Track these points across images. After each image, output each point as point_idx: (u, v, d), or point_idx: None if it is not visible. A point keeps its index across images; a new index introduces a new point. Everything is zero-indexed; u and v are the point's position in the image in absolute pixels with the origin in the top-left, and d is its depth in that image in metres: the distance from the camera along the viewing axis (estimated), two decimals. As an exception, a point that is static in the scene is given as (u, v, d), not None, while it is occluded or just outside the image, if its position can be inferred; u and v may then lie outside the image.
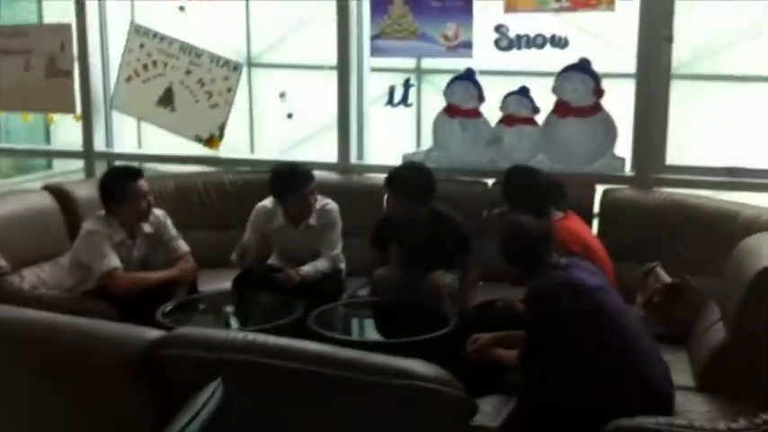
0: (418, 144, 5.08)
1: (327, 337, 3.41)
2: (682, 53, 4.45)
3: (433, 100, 4.82)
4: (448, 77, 4.70)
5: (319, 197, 4.23)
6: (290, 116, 5.01)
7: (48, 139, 7.66)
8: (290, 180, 4.07)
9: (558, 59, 4.48)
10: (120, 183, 3.90)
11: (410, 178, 4.04)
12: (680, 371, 3.22)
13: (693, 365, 3.32)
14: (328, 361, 2.06)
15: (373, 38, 4.74)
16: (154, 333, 2.27)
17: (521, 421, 2.58)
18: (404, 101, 4.81)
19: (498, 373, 2.98)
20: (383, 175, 4.71)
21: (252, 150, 5.90)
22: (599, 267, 3.36)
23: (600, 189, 4.49)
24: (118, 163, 5.37)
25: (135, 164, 5.69)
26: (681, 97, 4.52)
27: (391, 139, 5.33)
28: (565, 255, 3.15)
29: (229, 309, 4.05)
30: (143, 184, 3.94)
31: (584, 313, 2.80)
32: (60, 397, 2.34)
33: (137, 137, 6.03)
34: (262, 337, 2.16)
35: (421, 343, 3.34)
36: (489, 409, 2.48)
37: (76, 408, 2.37)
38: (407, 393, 2.01)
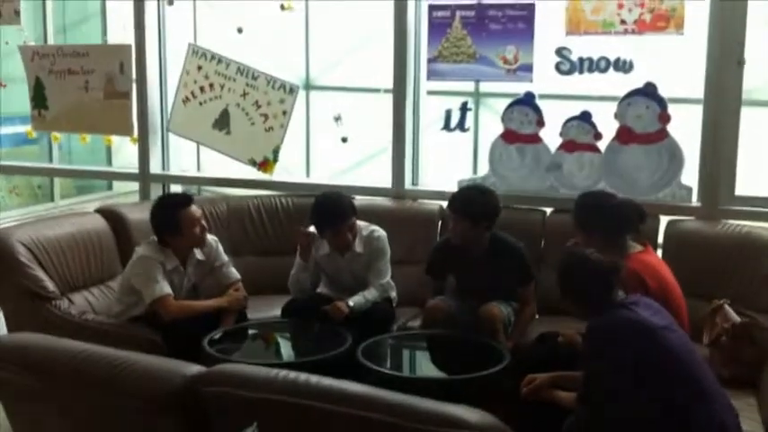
0: (475, 170, 4.96)
1: (375, 371, 3.30)
2: (753, 77, 4.24)
3: (491, 125, 4.70)
4: (506, 101, 4.58)
5: (366, 224, 4.13)
6: (344, 140, 4.93)
7: (109, 161, 7.75)
8: (326, 216, 3.99)
9: (622, 83, 4.32)
10: (173, 211, 3.83)
11: (474, 200, 3.91)
12: (749, 418, 3.02)
13: (763, 413, 3.10)
14: (374, 405, 1.95)
15: (430, 60, 4.65)
16: (193, 369, 2.19)
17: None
18: (460, 125, 4.69)
19: (555, 417, 2.83)
20: (438, 202, 4.63)
21: (308, 174, 5.85)
22: (675, 307, 3.19)
23: (664, 220, 4.29)
24: (173, 186, 5.39)
25: (192, 188, 5.76)
26: (752, 124, 4.29)
27: (447, 165, 5.22)
28: (641, 291, 2.99)
29: (277, 338, 3.97)
30: (195, 210, 3.89)
31: (648, 353, 2.65)
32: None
33: (196, 159, 6.03)
34: (303, 377, 2.06)
35: (473, 381, 3.20)
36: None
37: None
38: (457, 443, 1.88)
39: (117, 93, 5.23)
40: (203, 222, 3.92)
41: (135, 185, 5.59)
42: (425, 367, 3.75)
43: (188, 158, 5.67)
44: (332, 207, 4.00)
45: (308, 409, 1.99)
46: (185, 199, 3.92)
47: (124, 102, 5.21)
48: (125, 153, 6.38)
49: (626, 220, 3.57)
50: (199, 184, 5.70)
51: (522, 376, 3.19)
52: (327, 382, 2.04)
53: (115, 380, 2.17)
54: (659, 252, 4.22)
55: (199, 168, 5.78)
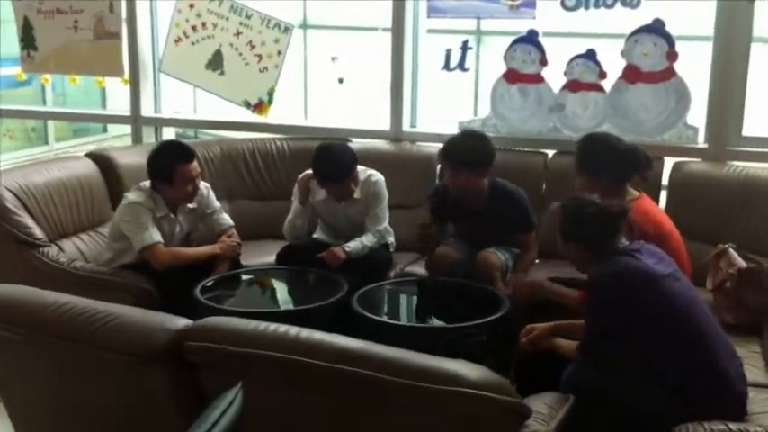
0: (475, 112, 4.82)
1: (371, 319, 3.22)
2: (764, 14, 4.07)
3: (493, 65, 4.54)
4: (509, 40, 4.41)
5: (363, 168, 4.01)
6: (341, 81, 4.79)
7: (104, 103, 7.60)
8: (329, 171, 3.86)
9: (629, 20, 4.15)
10: (171, 163, 3.71)
11: (472, 148, 3.78)
12: (753, 365, 2.97)
13: (767, 360, 3.03)
14: (367, 361, 1.86)
15: (430, -3, 4.48)
16: (179, 322, 2.10)
17: (578, 422, 2.35)
18: (461, 65, 4.54)
19: (555, 367, 2.75)
20: (438, 145, 4.49)
21: (306, 116, 5.70)
22: (675, 254, 3.10)
23: (670, 162, 4.17)
24: (166, 130, 5.26)
25: (188, 131, 5.62)
26: (762, 63, 4.14)
27: (447, 107, 5.07)
28: (638, 238, 2.89)
29: (272, 285, 3.89)
30: (194, 167, 3.76)
31: (651, 302, 2.57)
32: (83, 385, 2.22)
33: (193, 101, 5.87)
34: (293, 331, 1.98)
35: (469, 329, 3.12)
36: (544, 410, 2.25)
37: (100, 396, 2.24)
38: (452, 400, 1.80)
39: (107, 33, 5.06)
40: (198, 181, 3.80)
41: (130, 128, 5.48)
42: (423, 316, 3.66)
43: (185, 100, 5.52)
44: (334, 162, 3.86)
45: (298, 364, 1.90)
46: (187, 154, 3.77)
47: (114, 42, 5.04)
48: (121, 96, 6.22)
49: (634, 166, 3.43)
50: (191, 127, 5.57)
51: (519, 324, 3.13)
52: (318, 336, 1.96)
53: (99, 333, 2.09)
54: (663, 195, 4.13)
55: (195, 111, 5.64)
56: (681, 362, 2.53)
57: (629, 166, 3.42)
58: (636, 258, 2.62)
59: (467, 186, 3.77)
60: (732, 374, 2.56)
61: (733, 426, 2.26)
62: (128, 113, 5.20)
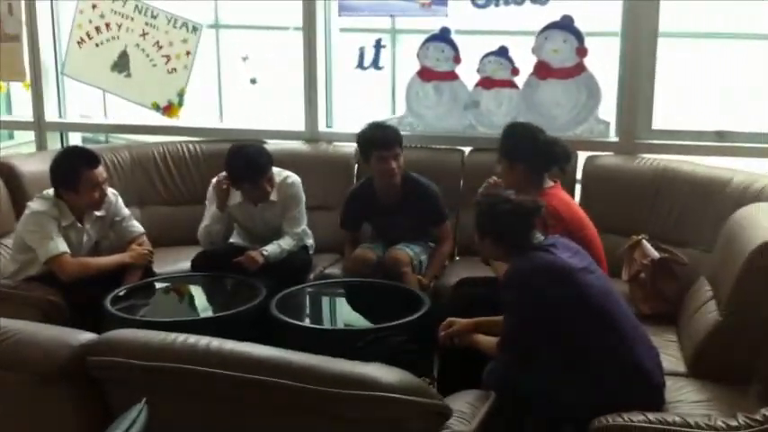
0: (393, 110, 4.78)
1: (290, 324, 3.15)
2: (669, 9, 4.15)
3: (409, 63, 4.51)
4: (423, 38, 4.39)
5: (279, 170, 3.93)
6: (253, 81, 4.68)
7: (9, 109, 7.27)
8: (243, 170, 3.77)
9: (538, 17, 4.19)
10: (75, 169, 3.55)
11: (390, 128, 3.88)
12: (669, 355, 3.02)
13: (684, 349, 3.09)
14: (280, 369, 1.80)
15: (341, -5, 4.43)
16: (82, 337, 2.00)
17: (499, 420, 2.34)
18: (375, 64, 4.50)
19: (478, 364, 2.74)
20: (354, 144, 4.46)
21: (221, 119, 5.56)
22: (589, 242, 3.13)
23: (583, 155, 4.22)
24: (72, 135, 5.07)
25: (99, 135, 5.41)
26: (668, 57, 4.23)
27: (363, 106, 5.02)
28: (559, 227, 2.90)
29: (188, 293, 3.79)
30: (100, 172, 3.61)
31: (567, 297, 2.56)
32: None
33: (103, 104, 5.66)
34: (203, 341, 1.90)
35: (388, 330, 3.08)
36: (465, 409, 2.24)
37: (4, 418, 2.10)
38: (370, 405, 1.76)
39: (6, 35, 4.84)
40: (105, 187, 3.65)
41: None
42: (343, 318, 3.60)
43: (95, 104, 5.32)
44: (248, 161, 3.77)
45: (209, 375, 1.83)
46: (91, 158, 3.61)
47: (14, 45, 4.83)
48: (27, 101, 5.96)
49: (554, 157, 3.44)
50: (99, 132, 5.38)
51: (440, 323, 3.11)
52: (230, 345, 1.88)
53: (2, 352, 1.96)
54: (578, 188, 4.18)
55: (106, 114, 5.44)
56: (597, 354, 2.53)
57: (546, 157, 3.43)
58: (551, 253, 2.62)
59: (399, 167, 3.77)
60: (648, 365, 2.58)
61: (651, 416, 2.26)
62: (31, 119, 4.98)
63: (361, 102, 4.99)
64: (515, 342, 2.63)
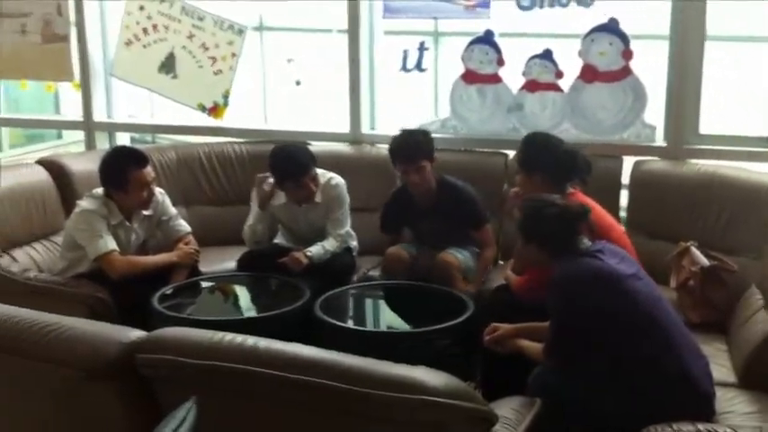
0: (436, 112, 4.77)
1: (334, 325, 3.16)
2: (717, 13, 4.09)
3: (451, 65, 4.50)
4: (467, 40, 4.37)
5: (323, 171, 3.95)
6: (298, 83, 4.71)
7: (57, 109, 7.40)
8: (286, 168, 3.79)
9: (584, 19, 4.15)
10: (123, 168, 3.60)
11: (422, 141, 3.80)
12: (719, 364, 2.96)
13: (734, 359, 3.04)
14: (328, 371, 1.80)
15: (385, -3, 4.43)
16: (132, 334, 2.02)
17: (545, 428, 2.32)
18: (418, 66, 4.50)
19: (522, 370, 2.72)
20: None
21: (266, 120, 5.61)
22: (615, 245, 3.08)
23: (629, 160, 4.17)
24: (119, 134, 5.14)
25: (142, 136, 5.49)
26: (716, 61, 4.16)
27: (406, 108, 5.02)
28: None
29: (233, 292, 3.81)
30: (148, 172, 3.65)
31: (615, 303, 2.54)
32: (25, 402, 2.11)
33: (150, 105, 5.74)
34: (251, 341, 1.91)
35: (432, 333, 3.07)
36: (511, 415, 2.21)
37: (44, 414, 2.14)
38: (417, 409, 1.75)
39: (55, 36, 4.93)
40: (153, 186, 3.69)
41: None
42: (387, 320, 3.60)
43: (142, 104, 5.39)
44: (291, 159, 3.80)
45: (257, 375, 1.84)
46: (140, 159, 3.66)
47: (63, 45, 4.91)
48: (74, 101, 6.06)
49: (574, 168, 3.39)
50: (145, 132, 5.45)
51: (483, 326, 3.10)
52: (278, 345, 1.89)
53: (47, 346, 1.99)
54: (624, 193, 4.13)
55: (152, 115, 5.52)
56: (646, 362, 2.50)
57: (565, 168, 3.38)
58: (599, 259, 2.60)
59: (422, 181, 3.75)
60: (697, 373, 2.54)
61: (702, 426, 2.23)
62: (80, 119, 5.06)
63: (403, 104, 5.00)
64: (561, 348, 2.61)
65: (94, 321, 2.16)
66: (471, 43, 4.35)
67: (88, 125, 5.02)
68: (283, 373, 1.82)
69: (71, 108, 6.03)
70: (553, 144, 3.44)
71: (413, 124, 4.50)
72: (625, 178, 4.14)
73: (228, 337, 1.92)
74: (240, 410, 1.89)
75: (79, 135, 6.09)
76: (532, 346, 2.76)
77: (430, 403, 1.75)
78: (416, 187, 3.77)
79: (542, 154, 3.40)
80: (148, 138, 6.14)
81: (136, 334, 2.02)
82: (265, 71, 5.69)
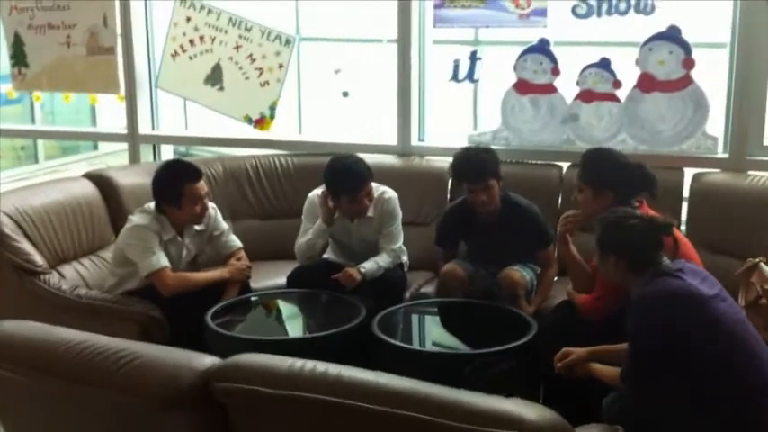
0: (475, 125, 4.65)
1: (394, 346, 3.07)
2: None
3: (490, 75, 4.39)
4: (510, 50, 4.27)
5: (375, 185, 3.85)
6: (345, 94, 4.64)
7: (93, 120, 7.42)
8: (343, 182, 3.70)
9: (643, 27, 4.04)
10: (178, 183, 3.54)
11: (488, 160, 3.68)
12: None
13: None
14: (415, 402, 1.70)
15: (437, 6, 4.33)
16: (206, 361, 1.93)
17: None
18: (470, 76, 4.40)
19: (585, 393, 2.61)
20: (446, 158, 4.36)
21: (300, 130, 5.52)
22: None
23: (689, 172, 4.05)
24: (165, 147, 5.10)
25: (180, 147, 5.45)
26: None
27: (448, 120, 4.91)
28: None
29: (286, 310, 3.73)
30: (202, 186, 3.59)
31: (699, 325, 2.41)
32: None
33: (183, 118, 5.70)
34: (334, 370, 1.81)
35: (498, 354, 2.96)
36: (595, 446, 2.11)
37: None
38: (512, 444, 1.65)
39: (101, 48, 4.89)
40: (206, 201, 3.63)
41: (120, 146, 5.30)
42: (446, 339, 3.49)
43: (174, 117, 5.35)
44: (349, 172, 3.70)
45: (340, 407, 1.75)
46: (194, 173, 3.59)
47: (109, 57, 4.87)
48: (110, 112, 6.04)
49: (642, 183, 3.26)
50: (191, 144, 5.40)
51: (545, 347, 2.99)
52: (362, 375, 1.80)
53: (117, 375, 1.91)
54: (684, 206, 4.00)
55: (186, 127, 5.46)
56: (733, 388, 2.38)
57: (636, 182, 3.26)
58: (680, 279, 2.47)
59: (490, 200, 3.64)
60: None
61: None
62: (124, 131, 5.02)
63: (444, 116, 4.89)
64: (641, 373, 2.49)
65: (166, 347, 2.06)
66: (525, 52, 4.25)
67: (133, 137, 4.97)
68: (366, 404, 1.73)
69: (107, 119, 6.03)
70: (620, 161, 3.32)
71: (461, 137, 4.44)
72: (685, 191, 4.01)
73: (309, 365, 1.83)
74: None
75: (115, 146, 6.09)
76: (608, 370, 2.64)
77: (528, 438, 1.65)
78: (484, 206, 3.66)
79: (611, 171, 3.27)
80: (182, 149, 6.09)
81: (210, 360, 1.93)
82: (300, 82, 5.62)
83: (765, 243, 3.63)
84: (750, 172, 3.97)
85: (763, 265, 3.42)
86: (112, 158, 7.24)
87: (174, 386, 1.87)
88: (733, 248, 3.68)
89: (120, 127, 5.09)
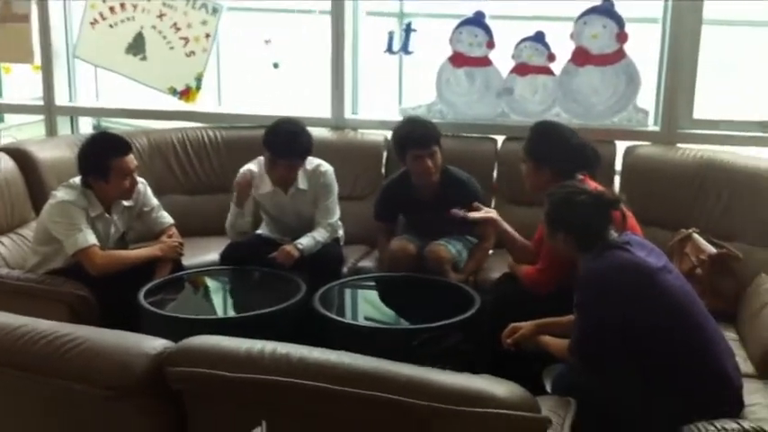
0: (400, 99, 4.59)
1: (339, 322, 3.00)
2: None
3: (423, 48, 4.33)
4: (444, 22, 4.21)
5: (312, 158, 3.75)
6: (276, 66, 4.50)
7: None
8: (288, 144, 3.59)
9: (577, 2, 4.05)
10: (105, 156, 3.35)
11: (432, 127, 3.66)
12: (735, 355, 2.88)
13: (750, 349, 2.99)
14: (383, 382, 1.64)
15: (370, -23, 4.26)
16: (157, 345, 1.82)
17: (578, 426, 2.20)
18: (404, 48, 4.33)
19: (528, 364, 2.61)
20: (381, 132, 4.31)
21: (219, 102, 5.32)
22: None
23: (621, 145, 4.09)
24: (83, 119, 4.86)
25: (99, 119, 5.22)
26: (711, 44, 4.10)
27: (380, 92, 4.82)
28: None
29: (221, 287, 3.61)
30: (131, 159, 3.41)
31: (648, 297, 2.43)
32: (50, 426, 1.91)
33: (94, 88, 5.42)
34: (297, 352, 1.72)
35: (446, 328, 2.93)
36: (554, 419, 2.09)
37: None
38: (485, 422, 1.61)
39: (14, 15, 4.62)
40: (135, 175, 3.46)
41: (30, 117, 5.08)
42: (390, 314, 3.43)
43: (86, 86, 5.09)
44: (295, 138, 3.59)
45: (304, 389, 1.67)
46: (123, 146, 3.41)
47: (23, 25, 4.60)
48: (19, 82, 5.70)
49: (584, 161, 3.24)
50: (112, 116, 5.15)
51: (492, 322, 2.99)
52: (325, 356, 1.72)
53: (62, 362, 1.79)
54: (617, 179, 4.05)
55: (97, 97, 5.20)
56: (681, 359, 2.41)
57: (575, 161, 3.24)
58: (628, 252, 2.48)
59: (435, 167, 3.59)
60: (729, 367, 2.47)
61: (746, 424, 2.15)
62: (40, 102, 4.76)
63: (374, 89, 4.80)
64: (590, 346, 2.49)
65: (110, 330, 1.93)
66: (460, 25, 4.21)
67: (50, 109, 4.71)
68: (334, 386, 1.66)
69: (12, 91, 5.70)
70: (566, 135, 3.31)
71: (394, 109, 4.38)
72: (618, 164, 4.06)
73: (270, 346, 1.74)
74: (285, 427, 1.71)
75: (22, 119, 5.78)
76: (557, 343, 2.65)
77: (499, 416, 1.61)
78: (428, 175, 3.60)
79: (552, 146, 3.25)
80: (93, 122, 5.82)
81: (161, 344, 1.82)
82: (220, 52, 5.42)
83: (695, 214, 3.72)
84: (680, 145, 4.05)
85: (696, 235, 3.50)
86: (19, 131, 6.87)
87: (124, 373, 1.76)
88: (664, 220, 3.75)
89: (35, 98, 4.82)
